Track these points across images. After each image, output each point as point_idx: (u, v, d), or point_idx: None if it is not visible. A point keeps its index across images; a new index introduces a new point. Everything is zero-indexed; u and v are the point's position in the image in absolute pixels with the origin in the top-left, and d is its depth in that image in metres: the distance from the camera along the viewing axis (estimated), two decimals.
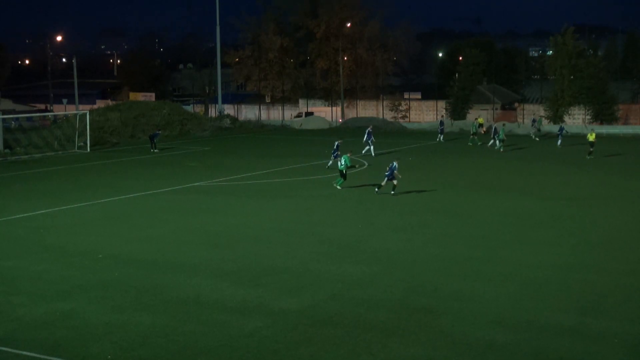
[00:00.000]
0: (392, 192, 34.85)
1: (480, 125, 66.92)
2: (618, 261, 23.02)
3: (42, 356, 15.46)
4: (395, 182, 34.79)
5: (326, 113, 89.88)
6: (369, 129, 54.61)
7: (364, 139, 53.25)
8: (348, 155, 37.67)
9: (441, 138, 64.45)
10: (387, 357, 15.37)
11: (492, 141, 58.13)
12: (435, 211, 31.53)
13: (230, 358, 15.40)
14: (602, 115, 74.38)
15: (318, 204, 33.64)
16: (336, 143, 44.14)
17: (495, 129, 58.77)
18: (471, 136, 61.38)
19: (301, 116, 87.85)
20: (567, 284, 20.47)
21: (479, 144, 59.61)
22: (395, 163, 35.07)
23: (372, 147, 52.54)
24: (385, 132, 75.38)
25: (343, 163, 36.90)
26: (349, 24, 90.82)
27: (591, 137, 51.02)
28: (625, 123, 75.91)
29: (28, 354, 15.60)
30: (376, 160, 48.92)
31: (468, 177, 41.13)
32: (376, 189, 35.49)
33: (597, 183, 39.67)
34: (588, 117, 75.21)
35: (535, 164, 47.56)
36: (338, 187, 36.78)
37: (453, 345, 15.92)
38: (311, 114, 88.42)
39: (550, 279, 20.98)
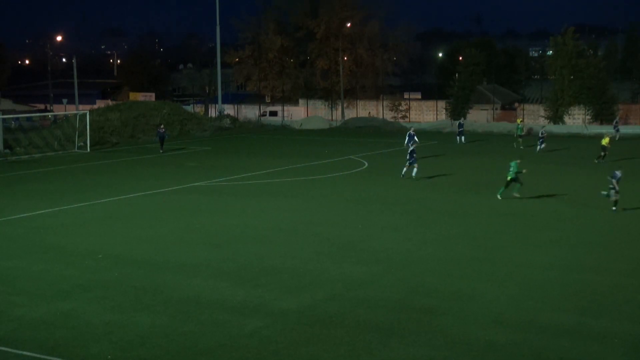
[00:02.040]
0: (614, 209, 31.24)
1: (519, 124, 63.85)
2: (618, 261, 23.03)
3: (42, 356, 15.47)
4: (616, 196, 31.42)
5: (291, 112, 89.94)
6: (410, 131, 51.76)
7: (406, 142, 50.12)
8: (517, 161, 34.44)
9: (462, 139, 62.43)
10: (386, 357, 15.37)
11: (539, 146, 54.88)
12: (436, 211, 31.53)
13: (230, 358, 15.40)
14: (602, 115, 74.33)
15: (318, 204, 33.64)
16: (411, 148, 40.91)
17: (541, 132, 56.23)
18: (518, 138, 58.90)
19: (265, 115, 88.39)
20: (567, 284, 20.48)
21: (521, 147, 56.93)
22: (619, 173, 31.86)
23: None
24: (385, 132, 75.41)
25: (512, 170, 33.91)
26: (349, 24, 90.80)
27: (604, 142, 49.49)
28: (625, 123, 75.83)
29: (28, 354, 15.60)
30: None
31: (469, 178, 41.08)
32: (603, 192, 32.42)
33: (597, 183, 39.61)
34: (588, 117, 75.20)
35: (540, 165, 47.51)
36: (517, 194, 33.85)
37: (453, 345, 15.92)
38: (275, 113, 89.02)
39: (551, 279, 20.99)
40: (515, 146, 57.29)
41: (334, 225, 28.74)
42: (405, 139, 51.03)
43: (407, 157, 40.50)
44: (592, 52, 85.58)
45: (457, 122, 68.63)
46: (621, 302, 18.83)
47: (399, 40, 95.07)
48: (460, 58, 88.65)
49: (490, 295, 19.40)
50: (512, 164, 34.04)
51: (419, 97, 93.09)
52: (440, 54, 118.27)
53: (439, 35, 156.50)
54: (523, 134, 59.82)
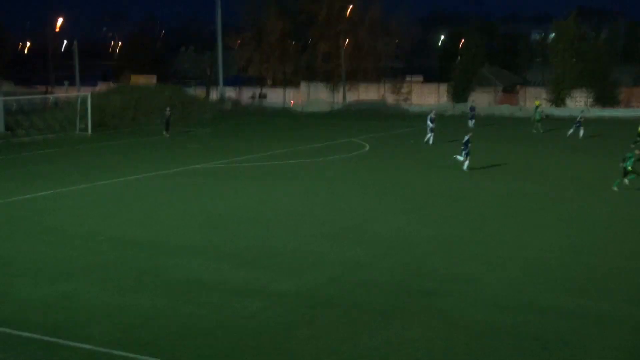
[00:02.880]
0: None
1: (537, 107, 61.99)
2: (618, 244, 23.08)
3: (43, 337, 15.51)
4: None
5: (278, 94, 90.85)
6: (431, 114, 50.29)
7: (429, 127, 49.35)
8: (636, 151, 32.89)
9: (472, 123, 59.58)
10: (386, 339, 15.41)
11: (571, 130, 53.06)
12: (436, 194, 31.55)
13: (230, 339, 15.45)
14: (604, 98, 74.26)
15: (319, 186, 33.64)
16: (466, 137, 37.70)
17: (579, 117, 53.85)
18: (536, 122, 57.61)
19: (255, 97, 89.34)
20: (568, 267, 20.51)
21: (541, 132, 56.17)
22: None
23: (431, 135, 49.04)
24: (386, 115, 75.33)
25: (630, 160, 31.97)
26: (350, 7, 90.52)
27: None
28: (627, 106, 75.76)
29: (30, 335, 15.65)
30: (424, 149, 48.72)
31: (472, 161, 40.98)
32: None
33: (598, 167, 39.61)
34: (590, 100, 75.10)
35: (540, 148, 47.57)
36: (626, 182, 31.98)
37: (452, 328, 15.95)
38: (265, 95, 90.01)
39: (551, 261, 21.02)
40: (534, 132, 56.66)
41: (335, 208, 28.76)
42: (426, 122, 50.11)
43: (462, 148, 37.78)
44: (594, 35, 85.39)
45: (468, 105, 67.68)
46: (621, 285, 18.88)
47: (401, 24, 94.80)
48: (462, 41, 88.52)
49: (490, 278, 19.43)
50: (629, 155, 32.29)
51: (421, 80, 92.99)
52: (442, 37, 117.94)
53: (440, 18, 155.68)
54: (542, 118, 58.87)
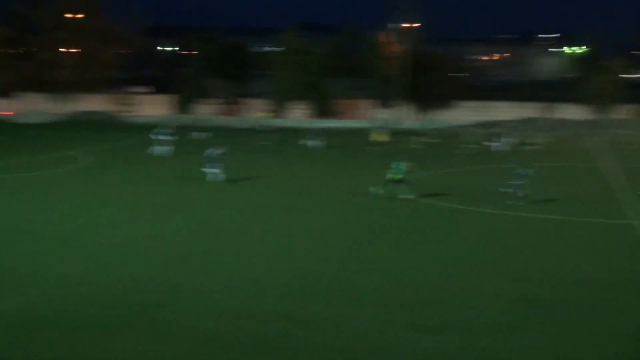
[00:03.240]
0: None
1: (263, 118, 62.06)
2: (330, 249, 24.16)
3: None
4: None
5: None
6: (164, 129, 50.70)
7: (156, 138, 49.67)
8: (408, 162, 33.35)
9: (202, 135, 59.48)
10: (105, 355, 14.99)
11: (310, 142, 55.18)
12: (157, 205, 31.28)
13: None
14: (323, 110, 77.70)
15: (41, 201, 32.17)
16: (218, 151, 37.82)
17: (312, 127, 56.89)
18: (264, 133, 58.49)
19: None
20: (287, 272, 21.13)
21: (272, 142, 56.77)
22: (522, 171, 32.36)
23: (167, 149, 49.28)
24: (111, 126, 73.92)
25: (396, 169, 32.82)
26: (74, 15, 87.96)
27: (379, 137, 50.78)
28: (344, 117, 79.72)
29: None
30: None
31: (194, 171, 41.17)
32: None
33: (326, 176, 41.26)
34: (310, 111, 78.18)
35: (276, 158, 48.73)
36: (408, 196, 32.51)
37: (174, 337, 15.87)
38: None
39: (273, 268, 21.57)
40: (263, 143, 57.57)
41: (50, 222, 27.61)
42: (155, 135, 50.12)
43: (212, 160, 37.87)
44: (315, 49, 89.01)
45: (193, 117, 68.11)
46: (336, 288, 19.71)
47: (127, 34, 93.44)
48: (189, 52, 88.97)
49: (213, 287, 19.57)
50: (402, 164, 33.04)
51: (149, 90, 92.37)
52: (169, 48, 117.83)
53: (167, 29, 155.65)
54: (268, 129, 60.27)
